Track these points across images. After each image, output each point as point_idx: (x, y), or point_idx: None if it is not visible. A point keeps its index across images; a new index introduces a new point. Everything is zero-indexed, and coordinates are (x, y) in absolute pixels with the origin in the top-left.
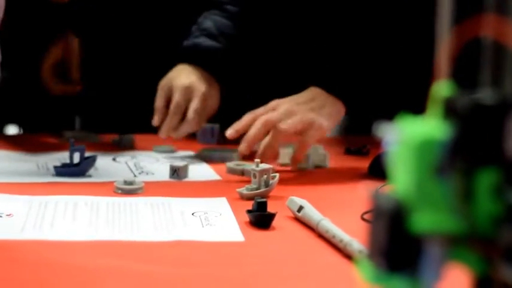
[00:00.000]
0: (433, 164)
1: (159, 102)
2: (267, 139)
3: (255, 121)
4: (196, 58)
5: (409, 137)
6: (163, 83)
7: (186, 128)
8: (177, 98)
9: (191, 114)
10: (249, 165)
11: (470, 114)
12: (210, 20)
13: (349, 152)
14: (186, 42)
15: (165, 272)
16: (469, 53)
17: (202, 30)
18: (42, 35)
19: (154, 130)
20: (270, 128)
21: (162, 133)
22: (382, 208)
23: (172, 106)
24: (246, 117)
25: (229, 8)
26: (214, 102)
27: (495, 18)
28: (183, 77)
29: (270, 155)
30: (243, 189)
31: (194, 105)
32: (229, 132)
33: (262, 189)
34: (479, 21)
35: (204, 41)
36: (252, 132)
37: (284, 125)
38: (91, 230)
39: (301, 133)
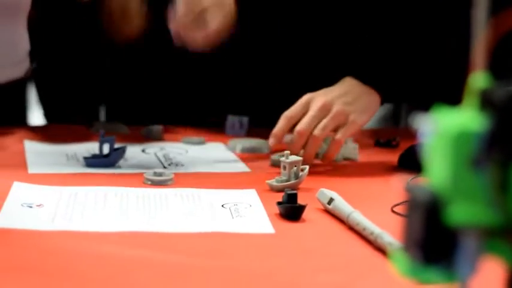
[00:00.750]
0: (469, 155)
1: None
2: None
3: (290, 124)
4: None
5: (445, 129)
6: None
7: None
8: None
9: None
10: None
11: (506, 105)
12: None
13: (378, 144)
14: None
15: (194, 263)
16: (506, 45)
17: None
18: (72, 26)
19: (183, 121)
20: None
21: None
22: (418, 200)
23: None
24: (283, 121)
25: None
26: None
27: None
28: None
29: (309, 161)
30: (273, 181)
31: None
32: (271, 141)
33: (292, 181)
34: None
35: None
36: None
37: (318, 132)
38: (121, 220)
39: (334, 130)
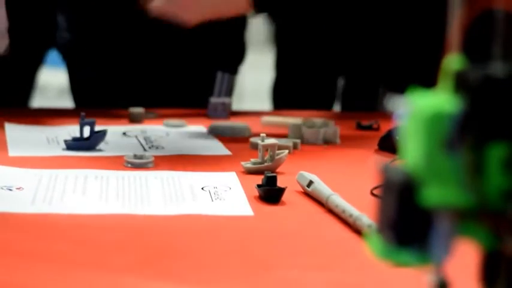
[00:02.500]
0: (443, 137)
1: None
2: None
3: None
4: None
5: (420, 110)
6: None
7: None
8: None
9: None
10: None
11: (481, 87)
12: None
13: (359, 127)
14: None
15: (174, 245)
16: (481, 26)
17: None
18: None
19: (165, 104)
20: None
21: None
22: (391, 181)
23: None
24: None
25: None
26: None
27: None
28: None
29: None
30: (248, 163)
31: None
32: None
33: (267, 164)
34: None
35: None
36: None
37: None
38: (101, 203)
39: None
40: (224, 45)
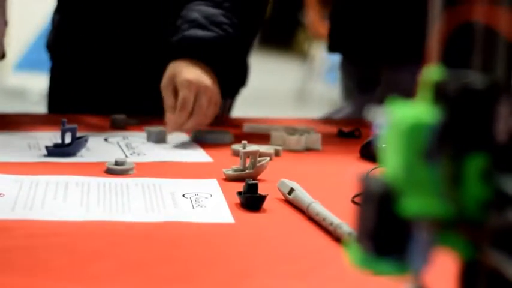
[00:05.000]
0: (422, 148)
1: (168, 101)
2: None
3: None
4: (191, 51)
5: (399, 121)
6: (166, 83)
7: (193, 123)
8: (185, 93)
9: (199, 109)
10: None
11: (460, 98)
12: (195, 11)
13: (341, 134)
14: (176, 37)
15: (155, 252)
16: (460, 37)
17: (190, 22)
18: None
19: (146, 112)
20: None
21: (170, 128)
22: (370, 191)
23: (180, 102)
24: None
25: None
26: (218, 96)
27: (487, 2)
28: (187, 72)
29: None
30: (229, 170)
31: (202, 100)
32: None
33: (248, 171)
34: (471, 5)
35: (196, 32)
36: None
37: None
38: (82, 210)
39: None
40: (228, 70)
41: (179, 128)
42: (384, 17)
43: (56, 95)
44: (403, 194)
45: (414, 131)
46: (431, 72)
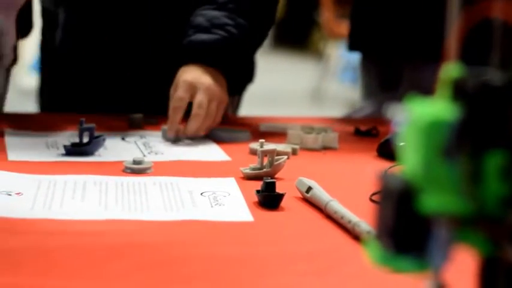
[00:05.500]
0: (441, 145)
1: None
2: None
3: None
4: (195, 56)
5: (418, 118)
6: (172, 88)
7: (194, 124)
8: (179, 93)
9: (195, 108)
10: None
11: (478, 95)
12: (200, 16)
13: (358, 133)
14: (183, 43)
15: (174, 251)
16: (479, 35)
17: (194, 27)
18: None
19: (163, 111)
20: None
21: (170, 131)
22: (390, 188)
23: (173, 101)
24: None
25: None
26: (223, 96)
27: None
28: (185, 75)
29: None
30: (247, 169)
31: (200, 98)
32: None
33: (266, 169)
34: (489, 2)
35: (200, 36)
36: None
37: None
38: (100, 209)
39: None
40: (235, 67)
41: (179, 130)
42: (404, 15)
43: (74, 95)
44: (423, 191)
45: (433, 128)
46: (450, 70)
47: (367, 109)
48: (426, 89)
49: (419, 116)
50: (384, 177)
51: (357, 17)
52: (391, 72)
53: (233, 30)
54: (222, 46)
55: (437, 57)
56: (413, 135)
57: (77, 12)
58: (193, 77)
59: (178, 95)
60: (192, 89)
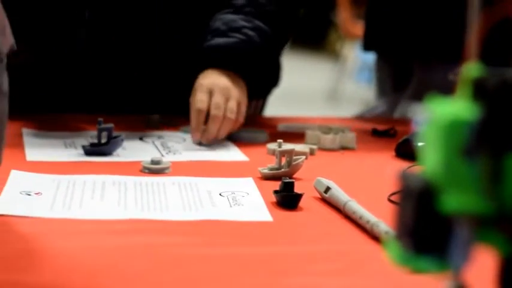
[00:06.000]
0: (462, 144)
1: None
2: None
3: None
4: (212, 60)
5: (438, 118)
6: (191, 98)
7: (214, 127)
8: (198, 95)
9: (212, 110)
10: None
11: (499, 94)
12: (218, 21)
13: (376, 133)
14: (201, 48)
15: (193, 251)
16: (499, 34)
17: (212, 32)
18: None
19: (181, 111)
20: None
21: (195, 135)
22: (410, 188)
23: (193, 104)
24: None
25: (235, 3)
26: (241, 97)
27: None
28: (201, 78)
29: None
30: (265, 169)
31: (215, 100)
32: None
33: (284, 170)
34: (509, 2)
35: (217, 40)
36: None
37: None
38: (119, 209)
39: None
40: (255, 69)
41: (200, 131)
42: (418, 15)
43: (92, 95)
44: (443, 190)
45: (453, 128)
46: (470, 69)
47: (380, 108)
48: (436, 90)
49: (440, 115)
50: (404, 177)
51: (372, 17)
52: (404, 72)
53: (251, 32)
54: (239, 49)
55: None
56: (434, 135)
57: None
58: (210, 81)
59: (197, 97)
60: (210, 91)
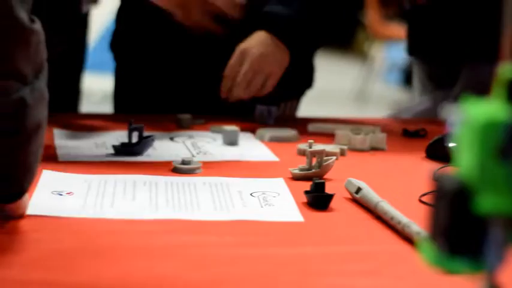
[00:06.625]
0: (497, 146)
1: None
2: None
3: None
4: (263, 23)
5: (473, 119)
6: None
7: (235, 92)
8: (231, 61)
9: (240, 76)
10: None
11: None
12: None
13: (406, 134)
14: (262, 11)
15: (225, 251)
16: None
17: (271, 2)
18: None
19: (211, 111)
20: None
21: (222, 93)
22: (445, 189)
23: (226, 69)
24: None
25: None
26: (274, 68)
27: None
28: (246, 41)
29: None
30: (296, 169)
31: (244, 68)
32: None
33: (314, 170)
34: None
35: (272, 8)
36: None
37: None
38: (151, 209)
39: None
40: (293, 71)
41: (225, 92)
42: (464, 17)
43: (121, 95)
44: (478, 191)
45: (488, 129)
46: (506, 70)
47: (423, 105)
48: (483, 89)
49: (474, 116)
50: (439, 178)
51: (415, 22)
52: (446, 71)
53: (305, 8)
54: (291, 15)
55: (494, 58)
56: (468, 136)
57: (130, 16)
58: (248, 44)
59: (230, 63)
60: (243, 56)
